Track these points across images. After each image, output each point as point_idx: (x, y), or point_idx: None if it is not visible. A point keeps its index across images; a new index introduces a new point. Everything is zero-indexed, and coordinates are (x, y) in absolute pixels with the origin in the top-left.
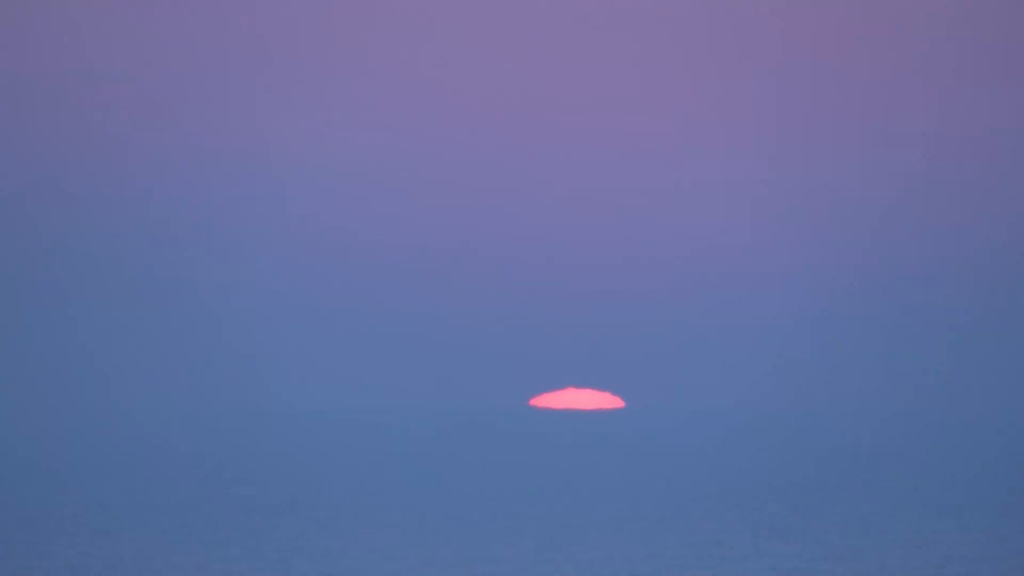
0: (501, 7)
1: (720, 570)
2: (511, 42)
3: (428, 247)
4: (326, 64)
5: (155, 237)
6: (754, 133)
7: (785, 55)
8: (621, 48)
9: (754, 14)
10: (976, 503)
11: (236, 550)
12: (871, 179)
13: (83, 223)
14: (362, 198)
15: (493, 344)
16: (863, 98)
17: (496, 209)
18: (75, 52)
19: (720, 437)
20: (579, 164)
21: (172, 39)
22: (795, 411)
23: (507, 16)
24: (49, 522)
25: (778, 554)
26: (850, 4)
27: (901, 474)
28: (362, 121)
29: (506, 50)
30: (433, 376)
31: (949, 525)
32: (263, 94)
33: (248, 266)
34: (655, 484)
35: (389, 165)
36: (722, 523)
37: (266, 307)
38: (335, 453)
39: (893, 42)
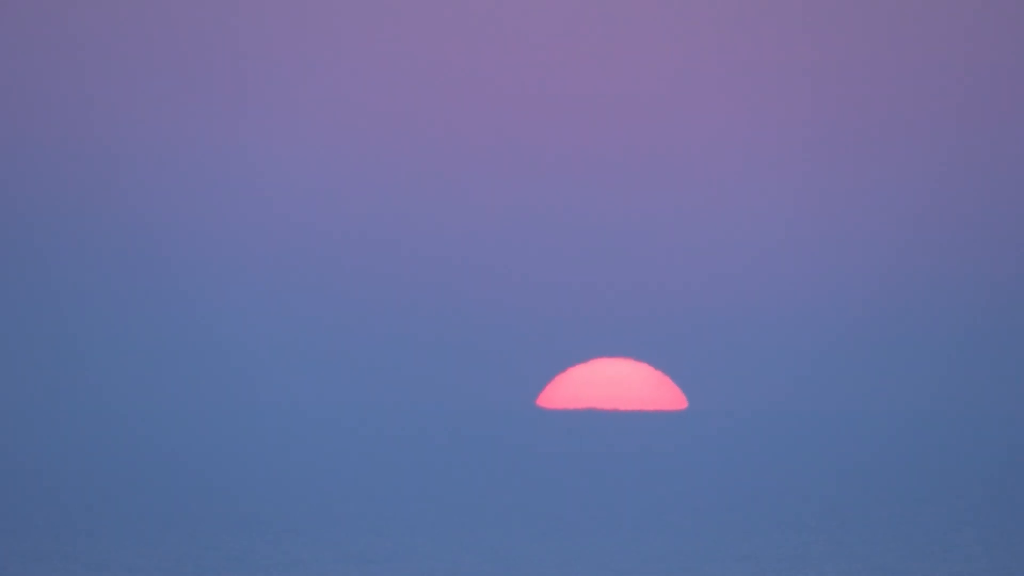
0: (500, 4)
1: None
2: (511, 35)
3: (426, 242)
4: (321, 61)
5: (146, 236)
6: (787, 128)
7: (815, 55)
8: (632, 45)
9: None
10: None
11: (232, 552)
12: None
13: (75, 222)
14: (359, 191)
15: (493, 340)
16: (890, 101)
17: (494, 204)
18: (64, 52)
19: (737, 438)
20: (582, 161)
21: (153, 39)
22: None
23: (506, 11)
24: (35, 523)
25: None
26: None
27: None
28: (356, 115)
29: (507, 42)
30: (437, 372)
31: None
32: (256, 92)
33: (241, 265)
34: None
35: (384, 156)
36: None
37: (261, 306)
38: (331, 453)
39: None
